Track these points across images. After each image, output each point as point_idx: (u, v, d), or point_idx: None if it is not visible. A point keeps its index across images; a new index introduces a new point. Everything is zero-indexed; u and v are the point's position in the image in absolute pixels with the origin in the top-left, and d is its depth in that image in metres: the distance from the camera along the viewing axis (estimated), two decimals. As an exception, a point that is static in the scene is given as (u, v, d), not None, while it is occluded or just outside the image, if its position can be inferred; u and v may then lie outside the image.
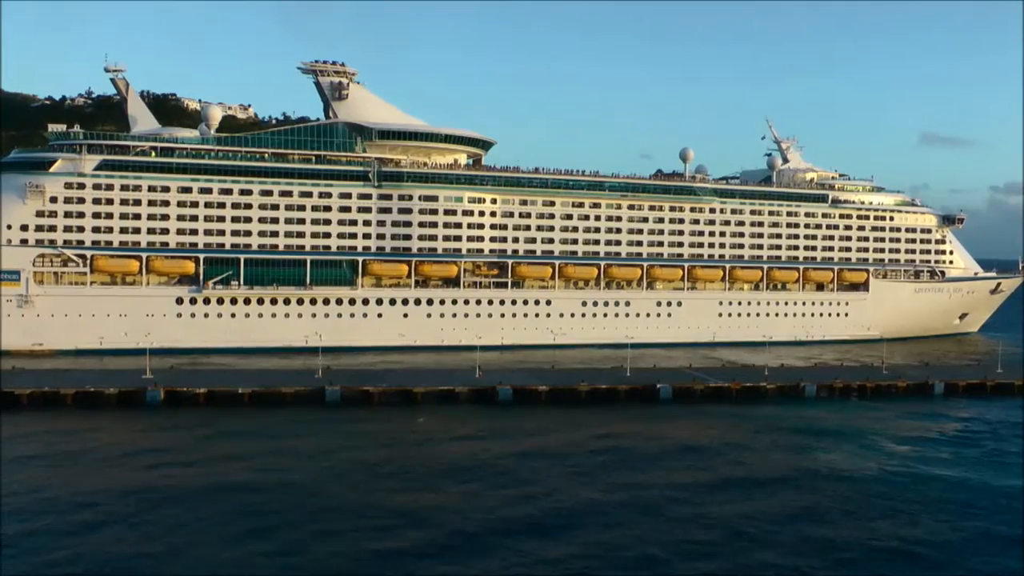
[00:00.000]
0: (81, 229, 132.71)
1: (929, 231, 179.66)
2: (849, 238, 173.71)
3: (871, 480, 75.61)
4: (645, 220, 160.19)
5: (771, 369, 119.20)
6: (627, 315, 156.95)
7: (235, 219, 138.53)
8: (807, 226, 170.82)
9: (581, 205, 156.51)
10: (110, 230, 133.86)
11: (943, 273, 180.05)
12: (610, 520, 63.38)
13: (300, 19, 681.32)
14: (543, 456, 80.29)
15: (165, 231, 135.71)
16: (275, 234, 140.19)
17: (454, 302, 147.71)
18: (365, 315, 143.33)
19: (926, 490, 73.15)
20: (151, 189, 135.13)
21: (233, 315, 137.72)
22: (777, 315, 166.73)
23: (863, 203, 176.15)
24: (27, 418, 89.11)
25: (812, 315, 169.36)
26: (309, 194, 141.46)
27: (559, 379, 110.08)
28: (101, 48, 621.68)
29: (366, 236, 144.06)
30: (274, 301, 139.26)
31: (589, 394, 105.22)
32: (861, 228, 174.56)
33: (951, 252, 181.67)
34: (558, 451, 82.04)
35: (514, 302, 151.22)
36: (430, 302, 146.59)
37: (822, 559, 57.60)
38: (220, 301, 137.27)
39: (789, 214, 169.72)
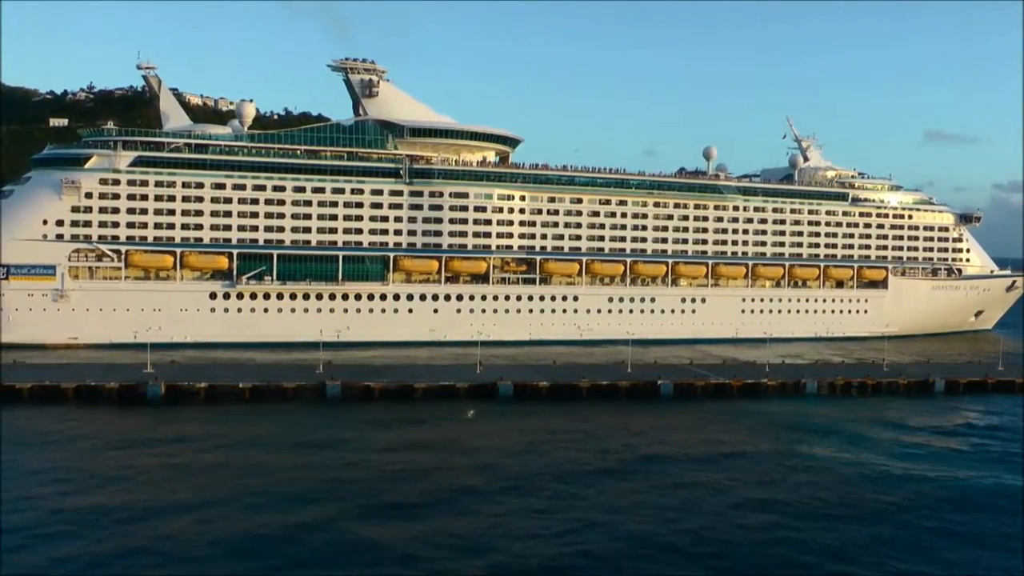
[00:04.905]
0: (116, 224, 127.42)
1: (946, 229, 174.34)
2: (868, 236, 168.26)
3: (853, 476, 71.86)
4: (670, 218, 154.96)
5: (772, 366, 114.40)
6: (652, 311, 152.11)
7: (268, 215, 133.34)
8: (828, 224, 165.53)
9: (608, 203, 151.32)
10: (144, 225, 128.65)
11: (960, 271, 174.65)
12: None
13: (304, 16, 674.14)
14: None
15: (199, 227, 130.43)
16: (308, 230, 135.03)
17: (483, 298, 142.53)
18: (396, 310, 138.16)
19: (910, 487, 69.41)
20: (185, 185, 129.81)
21: (266, 310, 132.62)
22: (798, 312, 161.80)
23: (882, 201, 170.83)
24: (27, 412, 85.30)
25: (832, 312, 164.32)
26: (341, 191, 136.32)
27: (560, 375, 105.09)
28: (99, 44, 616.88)
29: (397, 232, 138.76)
30: (306, 296, 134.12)
31: (590, 390, 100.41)
32: (880, 226, 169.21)
33: (968, 250, 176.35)
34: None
35: (542, 298, 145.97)
36: (460, 298, 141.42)
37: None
38: (253, 296, 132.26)
39: (810, 212, 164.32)
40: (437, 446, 77.54)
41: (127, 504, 59.69)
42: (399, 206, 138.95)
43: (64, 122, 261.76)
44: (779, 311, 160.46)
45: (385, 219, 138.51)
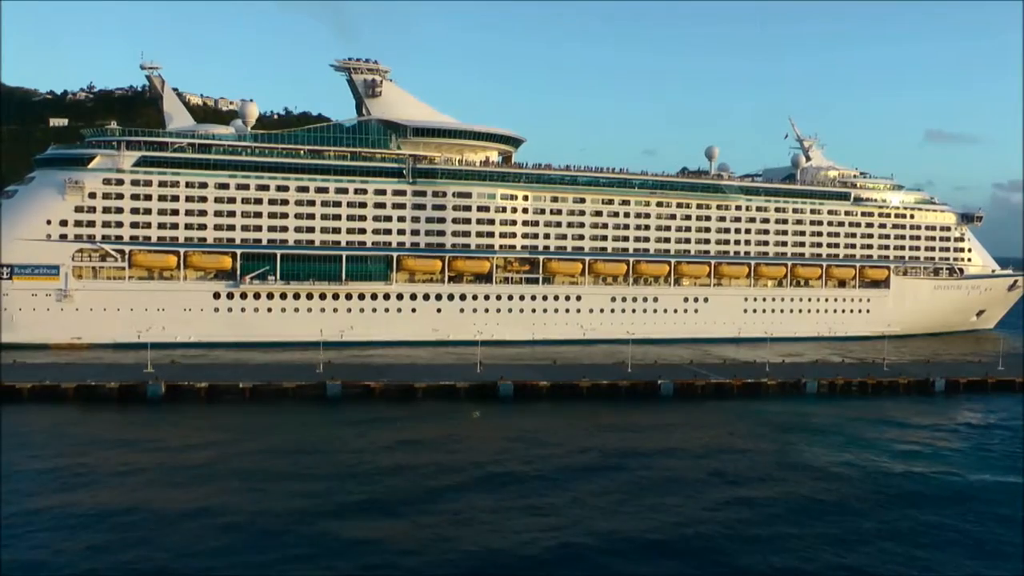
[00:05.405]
0: (120, 224, 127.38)
1: (948, 229, 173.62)
2: (871, 235, 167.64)
3: (852, 476, 71.35)
4: (673, 217, 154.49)
5: (772, 365, 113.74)
6: (655, 311, 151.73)
7: (272, 215, 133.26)
8: (830, 223, 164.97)
9: (611, 202, 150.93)
10: (148, 225, 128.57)
11: (962, 271, 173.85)
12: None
13: (304, 16, 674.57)
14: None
15: (203, 227, 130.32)
16: (311, 230, 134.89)
17: (486, 298, 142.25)
18: (399, 310, 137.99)
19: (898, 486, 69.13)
20: (188, 185, 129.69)
21: (269, 309, 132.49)
22: (801, 311, 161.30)
23: (884, 201, 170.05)
24: (28, 412, 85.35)
25: (835, 311, 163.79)
26: (345, 190, 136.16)
27: (560, 374, 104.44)
28: (99, 44, 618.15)
29: (400, 232, 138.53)
30: (310, 296, 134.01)
31: (590, 390, 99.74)
32: (882, 226, 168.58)
33: (969, 250, 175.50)
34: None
35: (545, 298, 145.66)
36: (463, 297, 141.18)
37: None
38: (257, 296, 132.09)
39: (813, 211, 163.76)
40: (436, 445, 77.30)
41: (126, 501, 59.59)
42: (402, 206, 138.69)
43: (64, 122, 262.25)
44: (781, 311, 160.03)
45: (388, 219, 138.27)
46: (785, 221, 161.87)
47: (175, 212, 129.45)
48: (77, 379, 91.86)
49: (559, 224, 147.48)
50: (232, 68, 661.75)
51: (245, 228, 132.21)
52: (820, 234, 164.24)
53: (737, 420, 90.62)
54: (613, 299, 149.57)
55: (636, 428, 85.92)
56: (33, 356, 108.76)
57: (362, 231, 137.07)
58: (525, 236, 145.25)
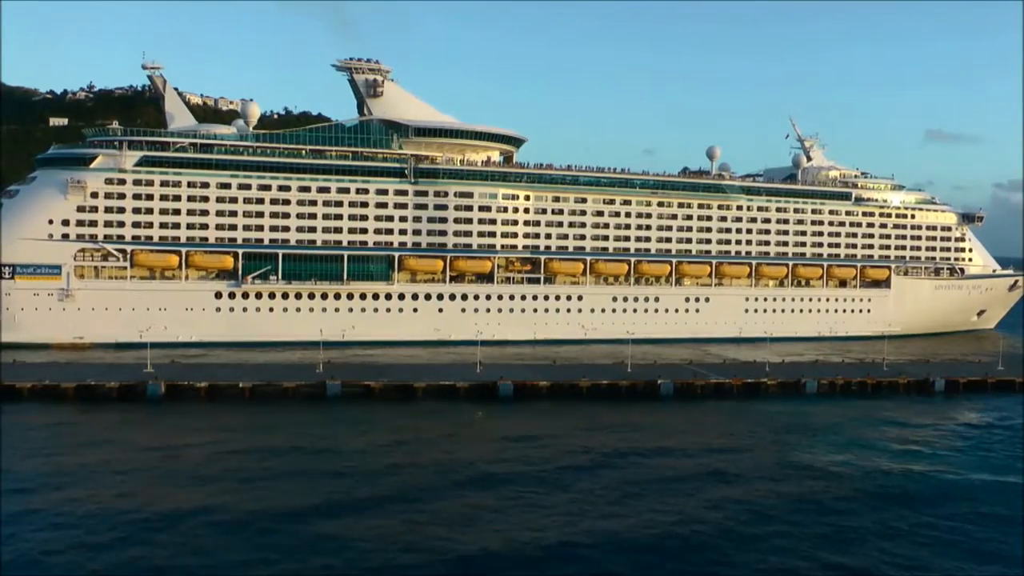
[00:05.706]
0: (121, 224, 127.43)
1: (949, 229, 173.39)
2: (871, 235, 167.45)
3: (851, 476, 71.14)
4: (674, 217, 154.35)
5: (772, 365, 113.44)
6: (656, 311, 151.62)
7: (273, 215, 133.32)
8: (831, 223, 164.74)
9: (612, 202, 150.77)
10: (150, 225, 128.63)
11: (962, 270, 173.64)
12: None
13: (303, 16, 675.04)
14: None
15: (204, 226, 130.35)
16: (313, 230, 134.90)
17: (488, 297, 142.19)
18: (401, 310, 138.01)
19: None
20: (190, 185, 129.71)
21: (271, 310, 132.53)
22: (802, 311, 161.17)
23: (885, 201, 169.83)
24: (28, 412, 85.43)
25: (836, 311, 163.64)
26: (346, 190, 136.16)
27: (560, 374, 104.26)
28: (99, 44, 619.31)
29: (402, 232, 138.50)
30: (311, 296, 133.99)
31: (590, 390, 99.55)
32: (883, 226, 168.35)
33: (970, 250, 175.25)
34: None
35: (546, 297, 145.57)
36: (464, 297, 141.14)
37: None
38: (258, 296, 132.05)
39: (814, 211, 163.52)
40: (436, 445, 77.26)
41: (126, 501, 59.60)
42: (404, 206, 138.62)
43: (64, 121, 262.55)
44: (782, 310, 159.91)
45: (390, 219, 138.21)
46: (786, 221, 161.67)
47: (177, 212, 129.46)
48: (77, 379, 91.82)
49: (560, 224, 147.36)
50: (232, 68, 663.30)
51: (247, 228, 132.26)
52: (821, 234, 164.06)
53: (737, 420, 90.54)
54: (614, 299, 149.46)
55: (636, 428, 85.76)
56: (34, 356, 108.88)
57: (364, 231, 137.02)
58: (527, 236, 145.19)
